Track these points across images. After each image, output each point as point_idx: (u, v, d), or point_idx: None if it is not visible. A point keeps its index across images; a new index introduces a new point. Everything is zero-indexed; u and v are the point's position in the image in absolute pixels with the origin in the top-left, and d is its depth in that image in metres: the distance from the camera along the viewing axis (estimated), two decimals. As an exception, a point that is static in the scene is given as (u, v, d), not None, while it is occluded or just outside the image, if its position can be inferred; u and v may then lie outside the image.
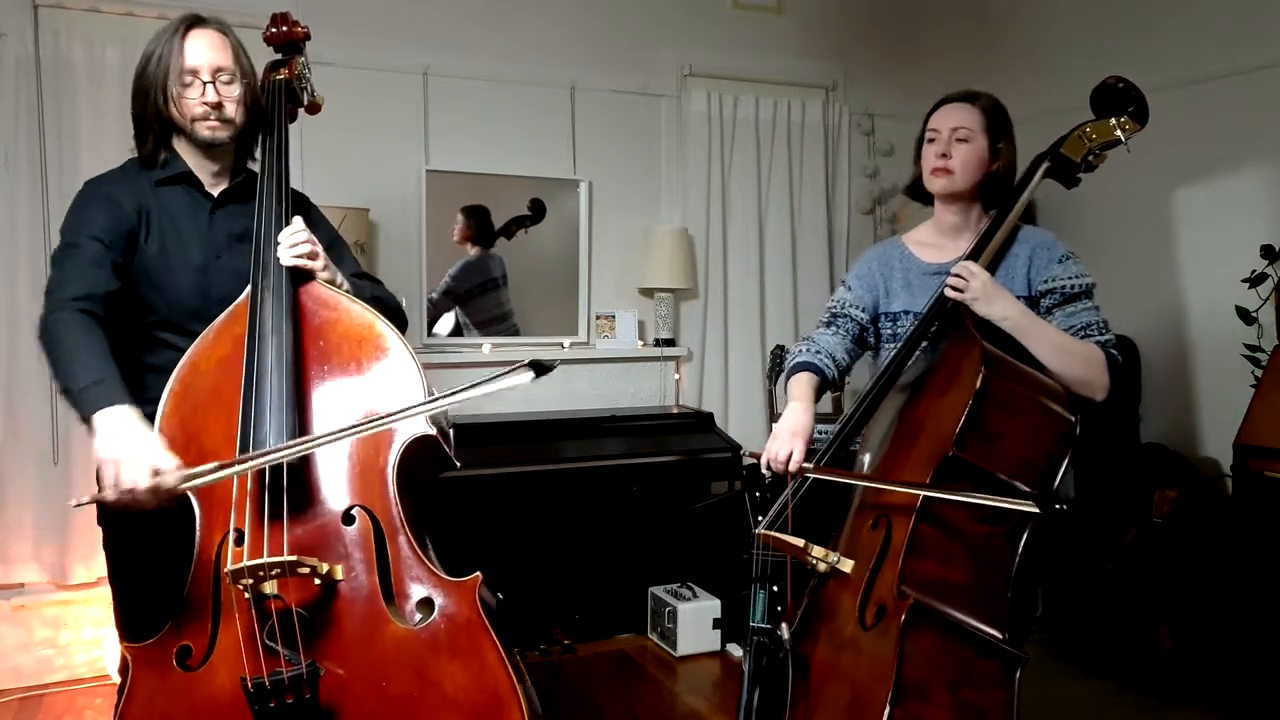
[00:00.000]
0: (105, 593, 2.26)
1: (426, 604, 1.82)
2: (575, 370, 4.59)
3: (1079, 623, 4.01)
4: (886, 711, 1.76)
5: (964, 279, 2.11)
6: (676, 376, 4.75)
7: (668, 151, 4.76)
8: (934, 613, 1.85)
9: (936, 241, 2.33)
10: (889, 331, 2.34)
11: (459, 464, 2.08)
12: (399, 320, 2.18)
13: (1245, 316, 4.01)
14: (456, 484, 3.76)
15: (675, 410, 4.57)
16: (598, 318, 4.63)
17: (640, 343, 4.67)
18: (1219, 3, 4.18)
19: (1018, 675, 1.86)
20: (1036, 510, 1.82)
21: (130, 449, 1.70)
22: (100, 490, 1.77)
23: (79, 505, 1.72)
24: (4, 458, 3.65)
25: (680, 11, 4.72)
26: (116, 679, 2.78)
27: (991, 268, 2.17)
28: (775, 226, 4.87)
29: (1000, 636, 1.87)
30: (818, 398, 2.28)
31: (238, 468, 1.76)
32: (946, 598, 1.88)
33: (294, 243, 2.00)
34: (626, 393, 4.68)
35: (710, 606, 3.99)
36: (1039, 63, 4.93)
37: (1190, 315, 4.36)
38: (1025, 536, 1.92)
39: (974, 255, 2.16)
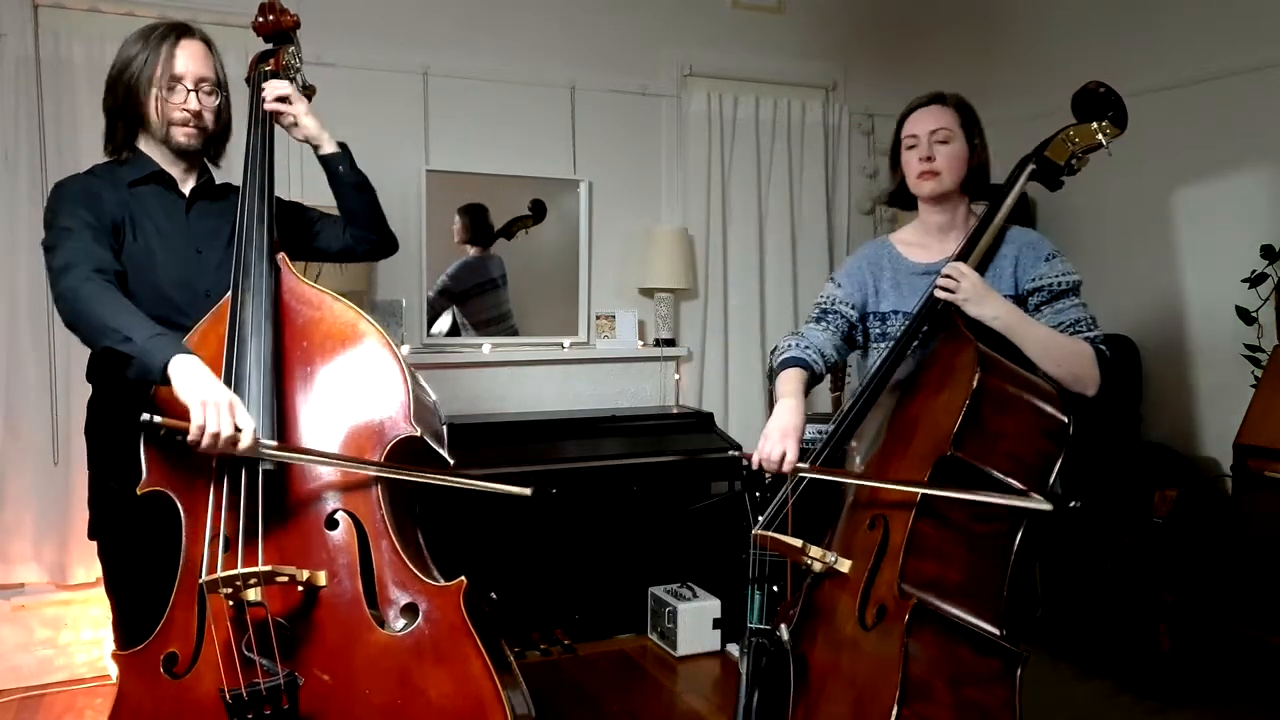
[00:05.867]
0: (105, 594, 2.27)
1: (410, 610, 1.81)
2: (575, 370, 4.59)
3: (1079, 623, 4.00)
4: (894, 712, 1.76)
5: (954, 280, 2.11)
6: (676, 376, 4.74)
7: (668, 151, 4.75)
8: (935, 612, 1.86)
9: (924, 242, 2.33)
10: (878, 331, 2.33)
11: (452, 462, 2.08)
12: (389, 241, 2.32)
13: (1245, 316, 3.98)
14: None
15: (675, 410, 4.57)
16: (598, 318, 4.63)
17: (640, 343, 4.67)
18: (1219, 3, 4.15)
19: (1018, 673, 1.87)
20: (1049, 507, 1.83)
21: (217, 394, 1.74)
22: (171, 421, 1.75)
23: (151, 424, 1.72)
24: (4, 458, 3.66)
25: (680, 11, 4.71)
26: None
27: (980, 268, 2.17)
28: (775, 226, 4.86)
29: (998, 633, 1.88)
30: (806, 393, 2.26)
31: (315, 459, 1.84)
32: (945, 596, 1.89)
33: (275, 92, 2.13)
34: (626, 393, 4.67)
35: (710, 606, 3.99)
36: (1039, 63, 4.90)
37: (1190, 315, 4.33)
38: (1021, 534, 1.93)
39: (962, 256, 2.16)
